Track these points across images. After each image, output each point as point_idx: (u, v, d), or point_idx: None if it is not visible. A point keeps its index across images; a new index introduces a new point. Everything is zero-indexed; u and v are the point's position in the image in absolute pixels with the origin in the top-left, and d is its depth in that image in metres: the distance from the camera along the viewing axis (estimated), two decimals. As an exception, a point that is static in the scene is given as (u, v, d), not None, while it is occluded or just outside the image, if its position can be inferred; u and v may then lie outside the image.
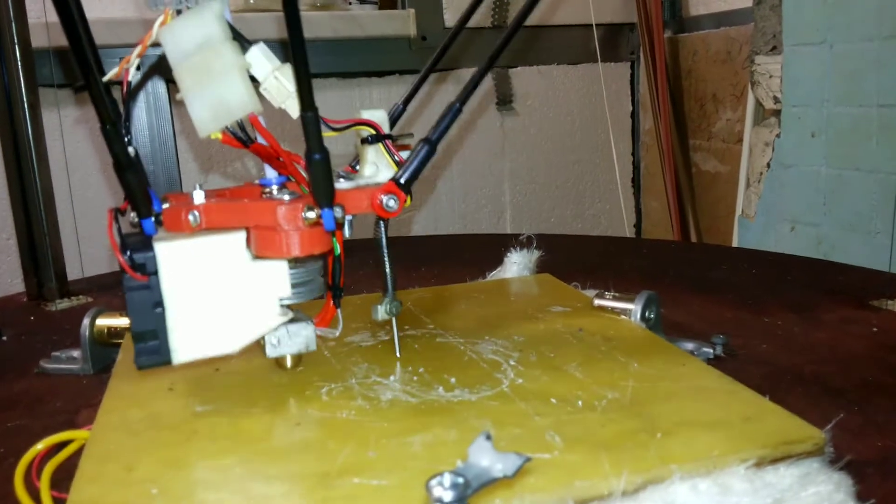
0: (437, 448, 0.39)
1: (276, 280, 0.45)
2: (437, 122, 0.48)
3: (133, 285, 0.42)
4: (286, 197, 0.44)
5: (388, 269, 0.49)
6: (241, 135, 0.46)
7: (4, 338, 0.70)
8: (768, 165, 1.39)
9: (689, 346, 0.57)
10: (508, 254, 0.76)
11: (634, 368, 0.48)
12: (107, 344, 0.59)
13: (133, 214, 0.44)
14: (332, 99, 1.59)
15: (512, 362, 0.50)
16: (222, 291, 0.44)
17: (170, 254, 0.43)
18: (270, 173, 0.47)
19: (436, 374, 0.48)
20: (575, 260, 0.89)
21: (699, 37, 1.66)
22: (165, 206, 0.45)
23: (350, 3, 1.64)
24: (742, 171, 1.47)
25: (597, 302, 0.61)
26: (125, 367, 0.52)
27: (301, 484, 0.36)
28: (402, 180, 0.47)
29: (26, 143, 0.77)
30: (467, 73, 1.70)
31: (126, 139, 0.43)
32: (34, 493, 0.40)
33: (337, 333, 0.49)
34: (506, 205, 1.81)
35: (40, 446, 0.41)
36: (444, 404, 0.44)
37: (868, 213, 1.23)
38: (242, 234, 0.44)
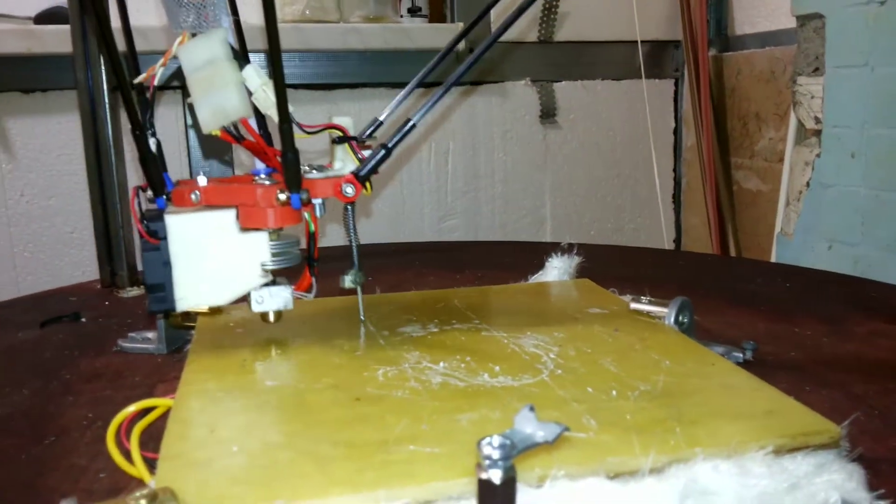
0: (483, 425, 0.43)
1: (258, 248, 0.56)
2: (395, 133, 0.57)
3: (148, 247, 0.55)
4: (266, 182, 0.55)
5: (353, 246, 0.59)
6: (234, 132, 0.56)
7: (84, 319, 0.76)
8: (808, 184, 1.40)
9: (720, 349, 0.60)
10: (549, 259, 0.80)
11: (666, 366, 0.52)
12: (180, 326, 0.64)
13: (150, 193, 0.56)
14: (380, 109, 1.64)
15: (552, 355, 0.54)
16: (216, 255, 0.56)
17: (176, 224, 0.55)
18: (259, 165, 0.59)
19: (481, 362, 0.52)
20: (614, 268, 0.93)
21: (744, 56, 1.68)
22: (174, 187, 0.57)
23: (401, 16, 1.70)
24: (782, 189, 1.48)
25: (633, 305, 0.65)
26: (200, 346, 0.57)
27: (362, 449, 0.40)
28: (361, 174, 0.56)
29: (106, 142, 0.84)
30: (512, 87, 1.74)
31: (150, 132, 0.56)
32: (123, 452, 0.45)
33: (311, 297, 0.58)
34: (546, 216, 1.85)
35: (132, 408, 0.47)
36: (488, 389, 0.48)
37: (907, 234, 1.24)
38: (233, 211, 0.56)
